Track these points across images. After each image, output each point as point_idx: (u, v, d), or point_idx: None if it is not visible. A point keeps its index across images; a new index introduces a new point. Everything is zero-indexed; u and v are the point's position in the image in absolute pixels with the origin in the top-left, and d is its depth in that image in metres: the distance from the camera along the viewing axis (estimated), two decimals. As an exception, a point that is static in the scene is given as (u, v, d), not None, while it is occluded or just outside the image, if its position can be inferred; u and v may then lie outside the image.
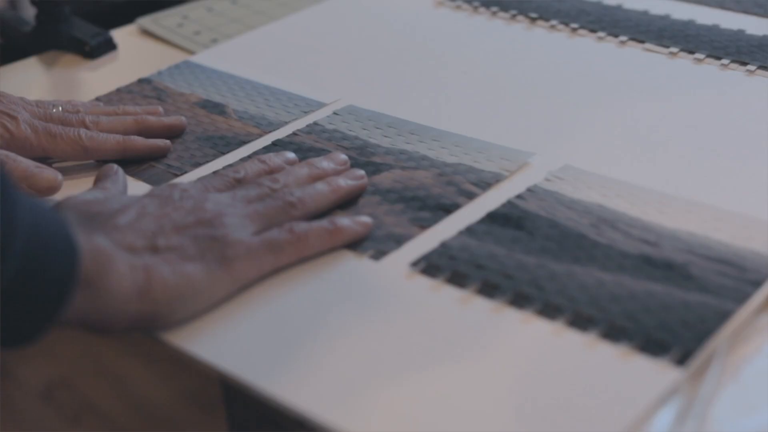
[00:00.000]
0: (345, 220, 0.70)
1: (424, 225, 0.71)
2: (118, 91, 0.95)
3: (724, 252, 0.65)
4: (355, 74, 0.95)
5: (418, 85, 0.92)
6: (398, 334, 0.62)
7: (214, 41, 1.05)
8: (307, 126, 0.85)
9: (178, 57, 1.03)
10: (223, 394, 0.65)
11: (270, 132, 0.85)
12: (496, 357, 0.60)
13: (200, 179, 0.72)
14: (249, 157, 0.81)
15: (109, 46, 1.05)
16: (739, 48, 0.93)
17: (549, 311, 0.62)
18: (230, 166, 0.80)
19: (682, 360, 0.58)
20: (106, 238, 0.63)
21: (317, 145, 0.82)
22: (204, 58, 1.01)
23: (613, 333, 0.60)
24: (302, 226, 0.69)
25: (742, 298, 0.62)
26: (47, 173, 0.78)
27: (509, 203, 0.72)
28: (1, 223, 0.57)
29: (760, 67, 0.89)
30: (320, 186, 0.73)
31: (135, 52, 1.06)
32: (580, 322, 0.61)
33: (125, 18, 1.13)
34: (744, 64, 0.90)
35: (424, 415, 0.57)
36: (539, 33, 1.01)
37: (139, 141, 0.83)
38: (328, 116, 0.86)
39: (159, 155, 0.83)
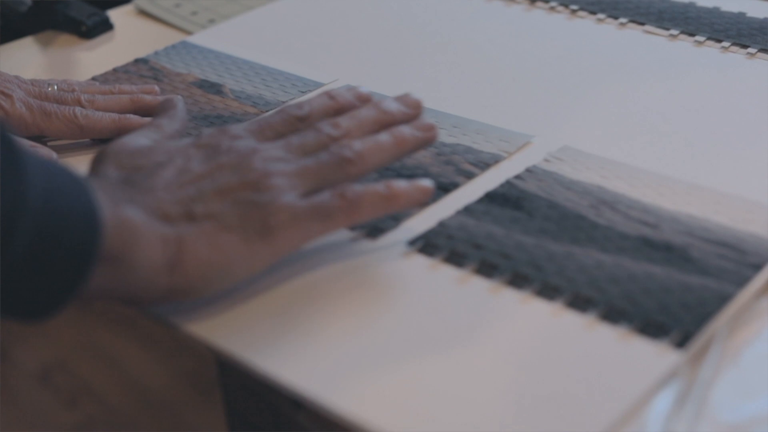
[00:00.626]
0: (402, 184, 0.65)
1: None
2: (115, 70, 0.94)
3: (724, 235, 0.65)
4: (353, 55, 0.94)
5: (416, 67, 0.91)
6: (395, 313, 0.61)
7: (212, 21, 1.04)
8: (302, 104, 0.84)
9: (175, 37, 1.02)
10: (219, 376, 0.65)
11: (267, 111, 0.84)
12: (494, 337, 0.59)
13: (260, 119, 0.68)
14: None
15: (106, 26, 1.05)
16: (739, 31, 0.92)
17: (548, 292, 0.62)
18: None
19: (681, 342, 0.57)
20: (137, 207, 0.60)
21: (314, 124, 0.81)
22: (201, 38, 1.00)
23: (612, 315, 0.60)
24: (355, 191, 0.63)
25: (742, 281, 0.61)
26: (42, 152, 0.77)
27: (508, 183, 0.72)
28: (7, 192, 0.54)
29: (761, 50, 0.89)
30: (384, 137, 0.67)
31: (132, 33, 1.05)
32: (579, 303, 0.61)
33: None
34: (745, 47, 0.90)
35: (421, 395, 0.56)
36: (538, 14, 1.00)
37: (135, 120, 0.82)
38: (323, 95, 0.86)
39: None
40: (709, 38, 0.92)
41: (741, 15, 0.95)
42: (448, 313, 0.61)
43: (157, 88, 0.88)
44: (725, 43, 0.91)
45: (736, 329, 0.59)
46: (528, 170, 0.73)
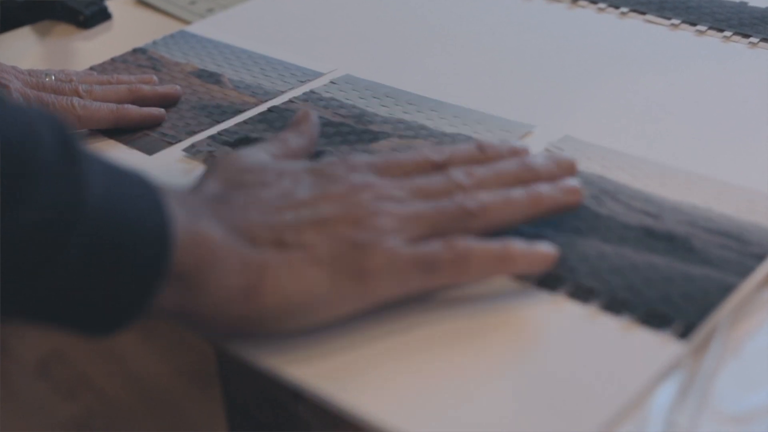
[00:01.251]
0: (520, 247, 0.58)
1: None
2: (113, 60, 0.94)
3: (727, 225, 0.64)
4: (353, 44, 0.94)
5: (416, 56, 0.90)
6: (395, 305, 0.61)
7: (210, 11, 1.04)
8: (304, 94, 0.84)
9: (173, 27, 1.01)
10: (219, 370, 0.64)
11: (266, 101, 0.84)
12: (495, 327, 0.59)
13: (391, 155, 0.62)
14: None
15: (104, 15, 1.04)
16: (741, 20, 0.92)
17: (549, 282, 0.61)
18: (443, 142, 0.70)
19: (684, 333, 0.57)
20: (219, 223, 0.55)
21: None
22: (200, 27, 0.99)
23: (614, 305, 0.59)
24: (466, 245, 0.57)
25: (744, 271, 0.61)
26: None
27: (509, 174, 0.71)
28: (62, 195, 0.50)
29: (763, 40, 0.88)
30: (517, 193, 0.60)
31: (130, 22, 1.05)
32: (581, 293, 0.60)
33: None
34: (746, 36, 0.89)
35: (422, 386, 0.56)
36: (538, 3, 0.99)
37: (133, 110, 0.81)
38: (324, 85, 0.85)
39: (153, 124, 0.81)
40: (710, 28, 0.91)
41: (743, 4, 0.95)
42: (448, 303, 0.60)
43: (155, 77, 0.87)
44: (727, 33, 0.90)
45: (738, 321, 0.59)
46: (530, 160, 0.72)
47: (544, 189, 0.61)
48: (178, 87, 0.85)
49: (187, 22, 1.02)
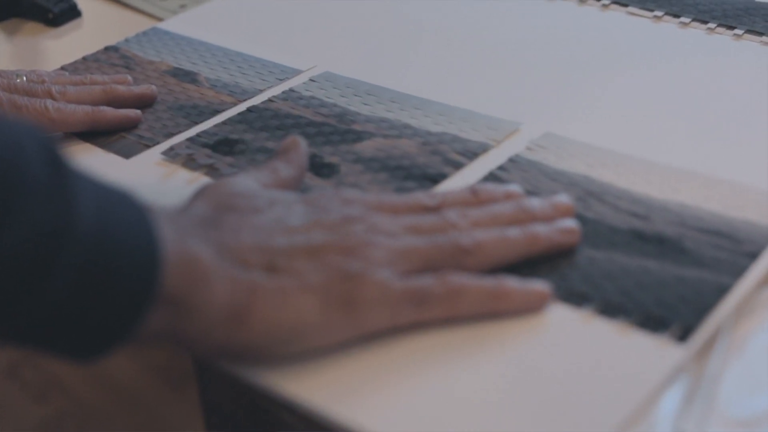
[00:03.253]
0: (514, 284, 0.57)
1: None
2: (84, 59, 0.91)
3: (717, 223, 0.63)
4: (331, 40, 0.92)
5: (397, 53, 0.89)
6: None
7: (183, 7, 1.02)
8: (283, 93, 0.82)
9: (145, 24, 0.99)
10: (195, 370, 0.62)
11: (245, 100, 0.82)
12: (491, 336, 0.57)
13: (383, 197, 0.61)
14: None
15: (74, 13, 1.02)
16: (725, 12, 0.90)
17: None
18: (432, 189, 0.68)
19: (682, 336, 0.56)
20: (208, 245, 0.54)
21: (294, 111, 0.79)
22: (173, 24, 0.97)
23: (609, 309, 0.58)
24: (459, 280, 0.56)
25: (738, 271, 0.60)
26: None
27: (491, 175, 0.69)
28: (51, 216, 0.48)
29: (748, 31, 0.87)
30: (512, 232, 0.59)
31: (100, 19, 1.03)
32: (574, 298, 0.59)
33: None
34: (731, 28, 0.88)
35: (420, 395, 0.54)
36: (518, -3, 0.98)
37: (109, 111, 0.79)
38: (304, 83, 0.84)
39: (130, 126, 0.79)
40: (694, 20, 0.90)
41: (725, -6, 0.94)
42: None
43: (129, 77, 0.85)
44: (711, 25, 0.89)
45: (738, 321, 0.58)
46: (511, 160, 0.71)
47: (540, 228, 0.60)
48: (153, 87, 0.83)
49: (158, 19, 1.00)
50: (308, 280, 0.54)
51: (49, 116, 0.77)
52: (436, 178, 0.70)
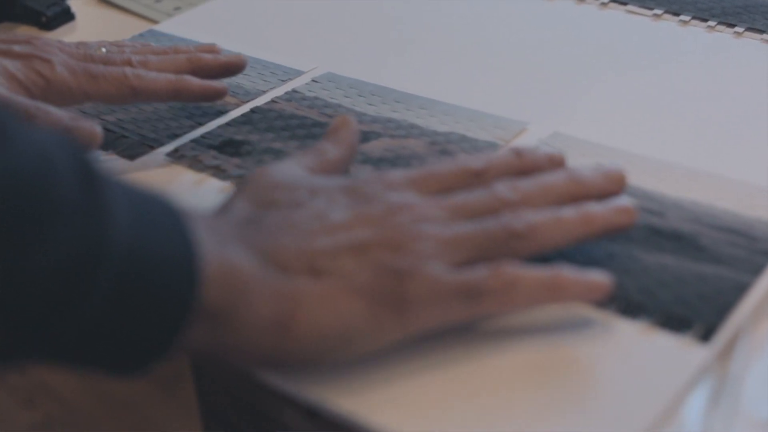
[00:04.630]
0: (571, 276, 0.53)
1: None
2: (82, 61, 0.90)
3: (732, 221, 0.63)
4: (332, 41, 0.91)
5: (398, 53, 0.88)
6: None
7: (177, 9, 1.01)
8: (286, 93, 0.81)
9: (139, 26, 0.98)
10: (192, 372, 0.61)
11: (248, 101, 0.81)
12: (511, 337, 0.56)
13: (428, 167, 0.58)
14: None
15: (67, 16, 1.00)
16: (724, 9, 0.90)
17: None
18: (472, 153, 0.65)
19: (705, 336, 0.55)
20: (249, 251, 0.51)
21: (298, 112, 0.78)
22: (169, 26, 0.96)
23: (630, 309, 0.57)
24: (514, 271, 0.53)
25: (756, 269, 0.59)
26: (84, 125, 0.68)
27: (504, 174, 0.69)
28: (86, 231, 0.46)
29: (749, 29, 0.87)
30: (568, 213, 0.56)
31: (94, 22, 1.01)
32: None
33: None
34: (731, 26, 0.88)
35: (446, 399, 0.53)
36: (516, -4, 0.97)
37: (194, 81, 0.74)
38: (307, 83, 0.83)
39: (215, 98, 0.76)
40: (694, 17, 0.90)
41: (723, -8, 0.93)
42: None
43: (217, 45, 0.80)
44: (711, 23, 0.89)
45: (756, 321, 0.57)
46: (522, 160, 0.70)
47: (596, 209, 0.56)
48: (242, 55, 0.79)
49: (153, 21, 0.99)
50: (354, 281, 0.51)
51: (128, 83, 0.72)
52: (446, 178, 0.69)
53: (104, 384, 0.68)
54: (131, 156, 0.75)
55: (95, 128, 0.69)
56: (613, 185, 0.58)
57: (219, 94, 0.75)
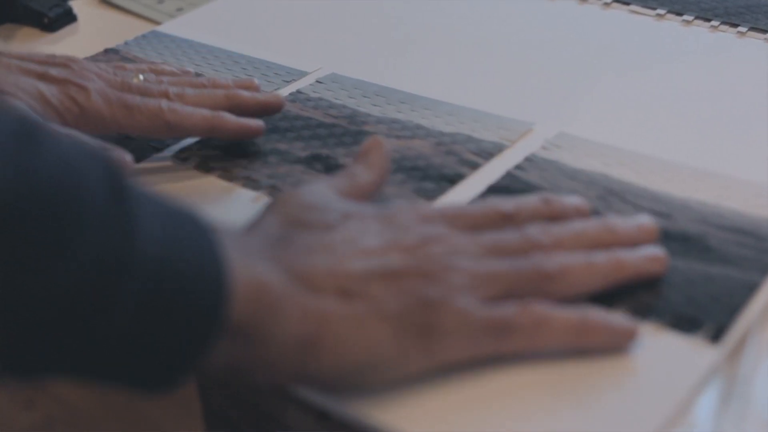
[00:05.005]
0: (599, 318, 0.53)
1: (429, 196, 0.67)
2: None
3: (739, 221, 0.63)
4: (335, 42, 0.91)
5: (402, 53, 0.88)
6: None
7: (180, 10, 1.00)
8: (291, 94, 0.81)
9: (142, 27, 0.98)
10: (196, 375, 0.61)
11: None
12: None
13: (459, 205, 0.59)
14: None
15: (69, 17, 1.00)
16: (727, 9, 0.90)
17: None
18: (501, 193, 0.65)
19: (716, 336, 0.55)
20: (277, 268, 0.50)
21: (303, 113, 0.78)
22: (172, 27, 0.96)
23: (640, 310, 0.57)
24: (544, 311, 0.53)
25: (765, 268, 0.59)
26: (114, 155, 0.67)
27: (509, 175, 0.69)
28: (113, 244, 0.45)
29: (752, 29, 0.87)
30: (599, 258, 0.55)
31: (96, 23, 1.01)
32: (604, 299, 0.57)
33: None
34: (734, 25, 0.88)
35: (461, 401, 0.53)
36: (518, -4, 0.97)
37: (230, 119, 0.72)
38: (311, 84, 0.83)
39: (250, 137, 0.74)
40: (697, 17, 0.90)
41: (725, -8, 0.93)
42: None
43: (256, 81, 0.78)
44: (714, 22, 0.89)
45: (765, 320, 0.57)
46: (527, 159, 0.70)
47: (627, 255, 0.56)
48: (280, 95, 0.77)
49: (156, 22, 0.99)
50: (383, 307, 0.51)
51: (163, 118, 0.71)
52: (453, 179, 0.69)
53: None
54: (136, 158, 0.74)
55: (125, 157, 0.68)
56: (645, 236, 0.59)
57: (255, 132, 0.73)
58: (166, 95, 0.72)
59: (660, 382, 0.53)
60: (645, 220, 0.59)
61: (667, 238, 0.61)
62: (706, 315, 0.56)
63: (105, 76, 0.73)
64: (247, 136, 0.73)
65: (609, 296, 0.57)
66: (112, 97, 0.71)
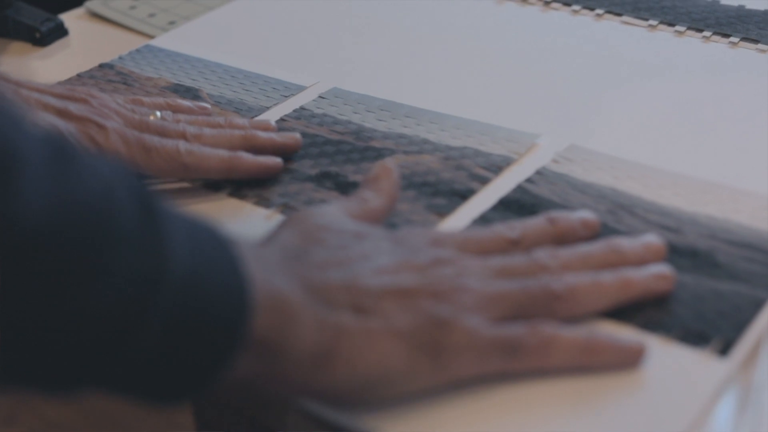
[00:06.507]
0: (607, 338, 0.55)
1: (442, 212, 0.68)
2: (79, 76, 0.89)
3: (747, 236, 0.64)
4: (331, 54, 0.91)
5: (401, 66, 0.88)
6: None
7: (172, 24, 1.00)
8: (294, 111, 0.81)
9: (135, 41, 0.98)
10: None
11: (252, 117, 0.81)
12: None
13: (467, 232, 0.60)
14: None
15: (61, 32, 1.00)
16: (718, 20, 0.91)
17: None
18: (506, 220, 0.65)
19: (724, 350, 0.56)
20: (294, 281, 0.52)
21: (309, 130, 0.78)
22: (166, 41, 0.96)
23: (649, 325, 0.57)
24: (552, 331, 0.54)
25: (773, 284, 0.60)
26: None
27: (520, 188, 0.69)
28: (144, 264, 0.46)
29: (744, 39, 0.88)
30: (606, 277, 0.57)
31: (88, 38, 1.01)
32: (614, 314, 0.58)
33: (70, 1, 1.07)
34: (726, 36, 0.89)
35: (452, 406, 0.54)
36: (510, 7, 0.98)
37: (248, 159, 0.72)
38: (314, 100, 0.83)
39: (268, 175, 0.73)
40: (689, 28, 0.90)
41: (715, 3, 0.94)
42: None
43: (273, 123, 0.78)
44: (706, 33, 0.89)
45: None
46: (538, 172, 0.71)
47: (634, 274, 0.57)
48: (298, 136, 0.76)
49: (148, 36, 0.98)
50: (396, 323, 0.52)
51: (181, 160, 0.71)
52: (464, 194, 0.69)
53: (85, 400, 0.68)
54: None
55: None
56: (651, 255, 0.59)
57: (274, 170, 0.73)
58: (183, 136, 0.72)
59: (672, 396, 0.53)
60: (652, 239, 0.60)
61: (675, 253, 0.62)
62: (714, 330, 0.57)
63: (123, 113, 0.73)
64: (266, 175, 0.73)
65: (618, 312, 0.58)
66: (131, 138, 0.71)
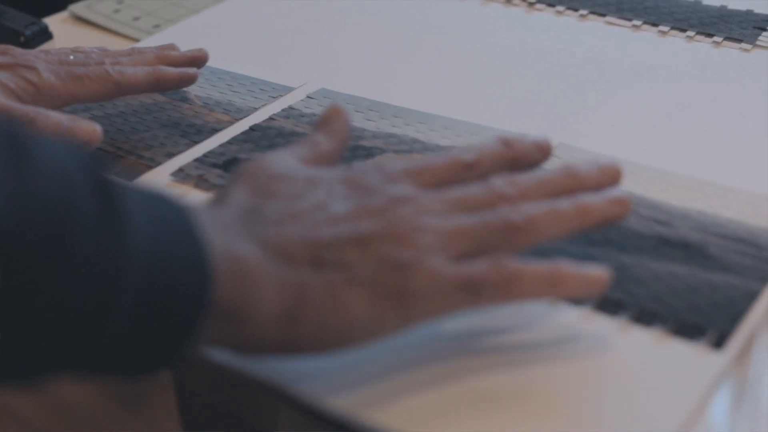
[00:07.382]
0: (571, 270, 0.54)
1: None
2: (66, 79, 0.89)
3: (738, 230, 0.64)
4: (319, 55, 0.91)
5: (388, 67, 0.88)
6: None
7: (157, 27, 1.00)
8: (283, 110, 0.81)
9: (119, 44, 0.98)
10: (174, 385, 0.62)
11: (240, 119, 0.81)
12: (526, 347, 0.57)
13: (422, 160, 0.58)
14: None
15: (45, 35, 0.99)
16: (701, 20, 0.92)
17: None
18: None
19: (718, 343, 0.56)
20: (254, 243, 0.52)
21: (298, 129, 0.78)
22: (150, 44, 0.95)
23: (644, 317, 0.58)
24: (515, 266, 0.53)
25: (765, 277, 0.60)
26: (83, 125, 0.72)
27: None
28: (110, 249, 0.46)
29: (727, 39, 0.88)
30: (564, 205, 0.56)
31: (72, 41, 0.99)
32: (609, 306, 0.59)
33: (54, 5, 1.07)
34: (709, 35, 0.89)
35: (464, 407, 0.54)
36: (495, 8, 0.98)
37: (170, 70, 0.79)
38: (302, 100, 0.83)
39: (189, 83, 0.81)
40: (672, 28, 0.91)
41: (697, 3, 0.95)
42: (472, 320, 0.58)
43: (175, 44, 0.85)
44: (690, 33, 0.90)
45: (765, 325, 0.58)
46: (528, 170, 0.71)
47: (591, 200, 0.57)
48: (204, 49, 0.84)
49: (133, 39, 0.98)
50: (357, 273, 0.52)
51: (112, 80, 0.76)
52: (456, 192, 0.69)
53: (66, 404, 0.68)
54: (130, 177, 0.74)
55: (95, 126, 0.72)
56: (608, 179, 0.59)
57: (192, 79, 0.80)
58: (103, 65, 0.77)
59: (668, 390, 0.54)
60: (608, 163, 0.59)
61: (667, 244, 0.63)
62: (709, 322, 0.57)
63: (43, 57, 0.77)
64: (188, 83, 0.80)
65: (614, 303, 0.58)
66: (61, 71, 0.75)
